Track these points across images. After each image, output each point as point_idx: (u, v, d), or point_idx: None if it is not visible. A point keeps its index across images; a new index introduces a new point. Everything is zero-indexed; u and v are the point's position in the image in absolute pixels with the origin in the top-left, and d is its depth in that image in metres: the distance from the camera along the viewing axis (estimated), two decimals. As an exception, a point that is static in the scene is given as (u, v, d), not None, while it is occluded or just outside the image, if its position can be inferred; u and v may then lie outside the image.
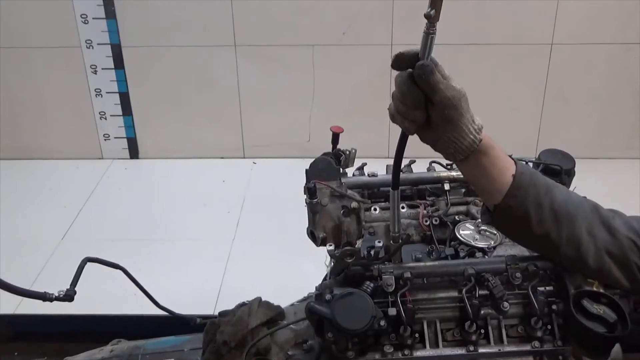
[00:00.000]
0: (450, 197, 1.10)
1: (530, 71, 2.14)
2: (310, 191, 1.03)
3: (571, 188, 1.32)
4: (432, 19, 0.76)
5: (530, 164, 1.25)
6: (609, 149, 2.25)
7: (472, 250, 0.98)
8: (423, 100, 0.78)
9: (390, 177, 0.92)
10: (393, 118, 0.81)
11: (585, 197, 0.87)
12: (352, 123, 2.20)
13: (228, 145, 2.26)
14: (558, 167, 1.19)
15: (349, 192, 1.07)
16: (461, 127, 0.78)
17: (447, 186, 1.11)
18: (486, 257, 0.96)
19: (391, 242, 0.93)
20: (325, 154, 1.14)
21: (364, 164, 1.19)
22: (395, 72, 0.80)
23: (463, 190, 1.12)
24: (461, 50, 2.07)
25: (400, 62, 0.79)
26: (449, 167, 1.12)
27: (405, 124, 0.79)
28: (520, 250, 0.96)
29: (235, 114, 2.21)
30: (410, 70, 0.78)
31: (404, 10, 2.02)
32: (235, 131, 2.24)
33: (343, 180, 1.09)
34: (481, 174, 0.82)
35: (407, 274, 0.86)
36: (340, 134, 1.17)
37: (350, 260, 0.89)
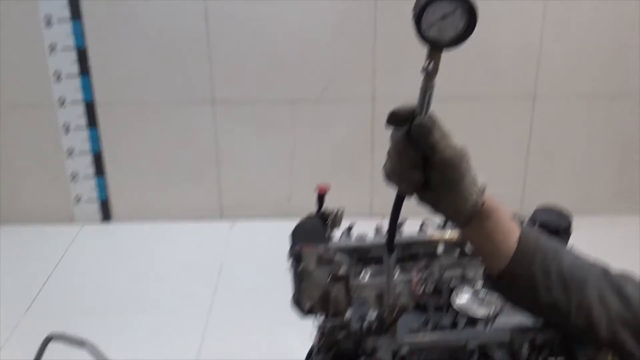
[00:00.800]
0: (444, 259, 1.04)
1: (513, 125, 2.12)
2: (295, 256, 0.96)
3: (568, 247, 1.27)
4: (430, 73, 0.72)
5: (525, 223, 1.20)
6: (596, 204, 2.21)
7: (471, 319, 0.91)
8: (421, 160, 0.73)
9: (380, 239, 0.86)
10: (388, 178, 0.75)
11: (594, 261, 0.82)
12: (334, 181, 2.13)
13: (205, 207, 2.18)
14: (554, 226, 1.13)
15: (337, 256, 1.00)
16: (462, 190, 0.73)
17: (440, 249, 1.05)
18: (488, 327, 0.89)
19: (386, 312, 0.86)
20: (310, 215, 1.08)
21: (352, 225, 1.13)
22: (388, 128, 0.74)
23: (458, 250, 1.06)
24: (441, 103, 2.03)
25: (396, 119, 0.74)
26: (442, 226, 1.06)
27: (401, 185, 0.73)
28: (523, 318, 0.89)
29: (213, 173, 2.15)
30: (406, 128, 0.73)
31: (385, 63, 1.99)
32: (213, 192, 2.17)
33: (330, 243, 1.03)
34: (484, 239, 0.76)
35: (405, 349, 0.78)
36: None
37: (341, 336, 0.82)
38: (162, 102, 2.04)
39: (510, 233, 0.76)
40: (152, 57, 1.99)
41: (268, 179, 2.17)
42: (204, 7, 1.93)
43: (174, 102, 2.04)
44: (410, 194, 0.75)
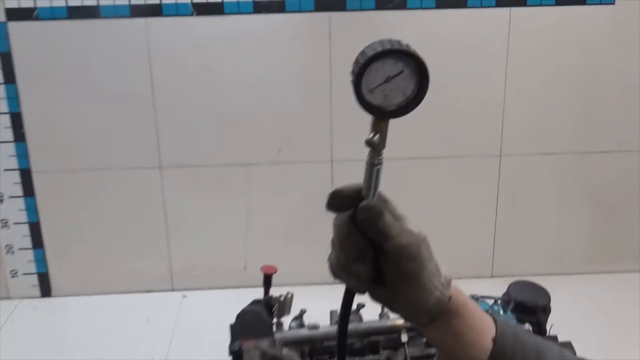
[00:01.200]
0: (409, 349, 0.91)
1: (479, 185, 2.02)
2: (235, 355, 0.83)
3: (548, 326, 1.17)
4: (376, 147, 0.61)
5: (499, 302, 1.09)
6: (569, 263, 2.12)
7: None
8: (371, 250, 0.61)
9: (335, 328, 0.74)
10: (334, 273, 0.63)
11: (580, 358, 0.70)
12: (292, 247, 2.06)
13: (154, 277, 2.03)
14: (531, 304, 1.01)
15: (285, 351, 0.87)
16: (423, 283, 0.61)
17: (404, 337, 0.92)
18: None
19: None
20: (254, 302, 0.95)
21: (303, 311, 1.00)
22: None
23: (424, 340, 0.94)
24: (404, 165, 1.95)
25: (338, 202, 0.63)
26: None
27: (349, 281, 0.61)
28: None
29: (161, 241, 2.00)
30: (351, 212, 0.61)
31: (344, 123, 1.90)
32: (162, 261, 2.02)
33: (277, 335, 0.89)
34: (453, 340, 0.63)
35: None
36: (278, 268, 0.99)
37: None
38: (104, 168, 1.91)
39: (484, 331, 0.64)
40: (92, 120, 1.87)
41: (222, 246, 2.03)
42: (149, 67, 1.82)
43: (117, 167, 1.91)
44: (362, 291, 0.62)
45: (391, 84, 0.64)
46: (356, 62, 0.63)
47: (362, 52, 0.63)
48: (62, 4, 1.74)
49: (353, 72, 0.63)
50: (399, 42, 0.64)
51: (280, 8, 1.79)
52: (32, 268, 1.98)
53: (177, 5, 1.77)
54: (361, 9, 1.81)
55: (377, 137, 0.64)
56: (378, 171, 0.65)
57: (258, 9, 1.79)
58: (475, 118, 1.95)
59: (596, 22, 1.88)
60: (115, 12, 1.76)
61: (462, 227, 2.06)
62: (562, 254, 2.12)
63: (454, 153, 1.98)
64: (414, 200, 2.10)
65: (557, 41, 1.89)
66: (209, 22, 1.79)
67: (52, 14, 1.74)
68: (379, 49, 0.61)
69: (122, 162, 1.91)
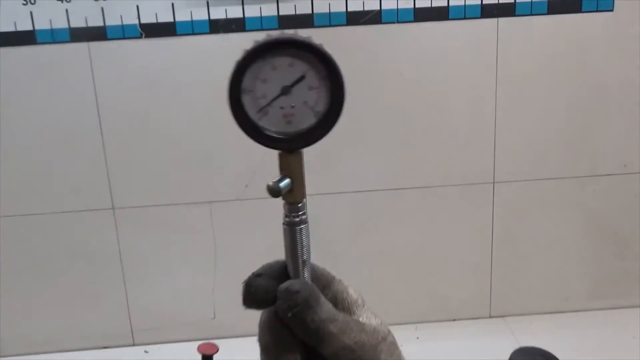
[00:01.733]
0: None
1: (472, 215, 1.81)
2: None
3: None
4: (287, 197, 0.41)
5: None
6: (572, 300, 1.89)
7: None
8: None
9: None
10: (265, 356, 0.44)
11: None
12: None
13: (112, 331, 1.81)
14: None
15: None
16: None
17: None
18: None
19: None
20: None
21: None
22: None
23: None
24: (385, 197, 1.75)
25: (257, 292, 0.44)
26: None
27: None
28: None
29: (118, 291, 1.79)
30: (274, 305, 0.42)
31: (315, 153, 1.69)
32: (121, 312, 1.81)
33: None
34: None
35: None
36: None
37: None
38: (50, 212, 1.70)
39: None
40: (33, 159, 1.67)
41: (187, 293, 1.81)
42: (95, 99, 1.63)
43: (64, 210, 1.71)
44: None
45: (291, 97, 0.43)
46: (233, 68, 0.43)
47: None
48: (-7, 30, 1.56)
49: (229, 83, 0.43)
50: (291, 34, 0.44)
51: (240, 26, 1.60)
52: (-25, 325, 1.77)
53: (123, 27, 1.58)
54: (330, 25, 1.62)
55: (285, 181, 0.44)
56: (302, 235, 0.45)
57: (215, 28, 1.60)
58: (464, 141, 1.74)
59: (594, 30, 1.68)
60: (53, 38, 1.57)
61: (454, 264, 1.84)
62: (566, 290, 1.90)
63: (441, 182, 1.77)
64: (397, 237, 1.91)
65: (551, 53, 1.69)
66: (160, 45, 1.60)
67: (-19, 42, 1.56)
68: (258, 44, 0.42)
69: (69, 204, 1.71)
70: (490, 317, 1.89)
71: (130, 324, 1.82)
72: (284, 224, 0.45)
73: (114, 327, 1.82)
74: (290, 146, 0.44)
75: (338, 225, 1.78)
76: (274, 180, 0.45)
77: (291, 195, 0.45)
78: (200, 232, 1.76)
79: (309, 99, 0.44)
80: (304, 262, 0.46)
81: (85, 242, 1.74)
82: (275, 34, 0.44)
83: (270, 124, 0.44)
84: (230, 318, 1.83)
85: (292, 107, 0.44)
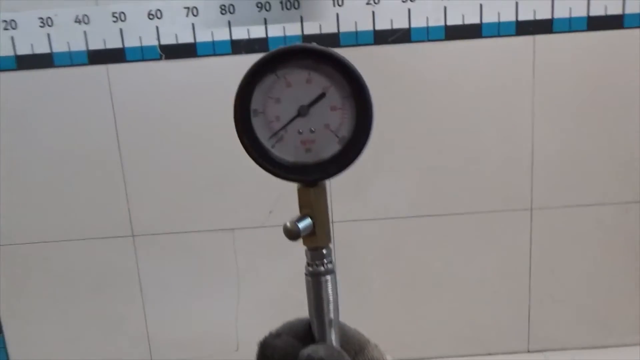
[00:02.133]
0: None
1: (508, 242, 1.71)
2: None
3: None
4: (310, 243, 0.33)
5: None
6: (614, 334, 1.77)
7: None
8: None
9: None
10: None
11: None
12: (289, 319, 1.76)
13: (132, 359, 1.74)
14: None
15: None
16: None
17: None
18: None
19: None
20: None
21: None
22: None
23: None
24: (418, 224, 1.66)
25: (272, 358, 0.45)
26: None
27: None
28: None
29: (138, 320, 1.72)
30: None
31: (343, 178, 1.62)
32: (141, 343, 1.73)
33: None
34: None
35: None
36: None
37: None
38: (69, 239, 1.65)
39: None
40: (50, 185, 1.61)
41: (208, 324, 1.74)
42: (114, 124, 1.57)
43: (82, 237, 1.65)
44: None
45: (310, 119, 0.35)
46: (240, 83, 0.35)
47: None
48: (10, 52, 1.51)
49: (235, 105, 0.35)
50: (308, 44, 0.36)
51: (263, 47, 1.53)
52: (-10, 357, 1.71)
53: (142, 48, 1.52)
54: (357, 44, 1.55)
55: (306, 222, 0.36)
56: (328, 288, 0.37)
57: (237, 49, 1.54)
58: (500, 166, 1.65)
59: (637, 48, 1.58)
60: (71, 60, 1.52)
61: (488, 293, 1.74)
62: (610, 323, 1.78)
63: (475, 208, 1.67)
64: (427, 265, 1.81)
65: (592, 73, 1.60)
66: (180, 66, 1.54)
67: (-1, 65, 1.52)
68: (269, 54, 0.34)
69: (88, 231, 1.64)
70: (529, 351, 1.78)
71: (150, 355, 1.74)
72: (306, 274, 0.37)
73: (133, 356, 1.74)
74: (310, 178, 0.36)
75: (366, 252, 1.69)
76: (293, 220, 0.36)
77: (313, 238, 0.36)
78: (222, 261, 1.69)
79: (331, 122, 0.36)
80: (330, 321, 0.38)
81: (104, 269, 1.68)
82: (282, 47, 0.36)
83: (286, 152, 0.36)
84: (255, 350, 1.75)
85: (312, 131, 0.36)
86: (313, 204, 0.37)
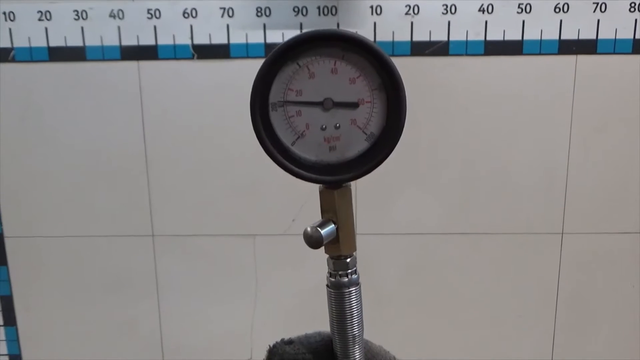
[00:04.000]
0: None
1: (536, 269, 1.64)
2: None
3: None
4: (333, 251, 0.28)
5: None
6: (647, 368, 1.70)
7: None
8: None
9: None
10: None
11: None
12: (307, 332, 1.71)
13: (144, 365, 1.71)
14: None
15: None
16: None
17: None
18: None
19: None
20: None
21: None
22: None
23: None
24: (446, 240, 1.60)
25: None
26: None
27: None
28: None
29: (153, 322, 1.68)
30: None
31: (367, 189, 1.57)
32: (154, 345, 1.70)
33: None
34: None
35: None
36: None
37: None
38: (87, 235, 1.62)
39: None
40: (73, 180, 1.59)
41: (223, 331, 1.69)
42: (141, 121, 1.54)
43: (101, 234, 1.62)
44: None
45: (335, 114, 0.31)
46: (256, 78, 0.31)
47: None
48: (43, 43, 1.49)
49: (251, 97, 0.31)
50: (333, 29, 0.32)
51: (296, 52, 1.50)
52: (3, 349, 1.69)
53: (175, 47, 1.50)
54: (393, 55, 1.50)
55: (329, 228, 0.32)
56: (352, 301, 0.33)
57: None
58: (532, 187, 1.59)
59: (684, 74, 1.52)
60: (103, 55, 1.50)
61: (512, 318, 1.67)
62: (634, 355, 1.70)
63: (504, 229, 1.61)
64: (451, 284, 1.74)
65: (635, 97, 1.53)
66: (212, 67, 1.51)
67: (30, 56, 1.50)
68: (289, 41, 0.30)
69: (108, 228, 1.62)
70: (552, 381, 1.71)
71: (163, 357, 1.71)
72: (327, 285, 0.33)
73: (146, 359, 1.71)
74: (334, 179, 0.32)
75: (388, 267, 1.64)
76: (314, 225, 0.32)
77: (336, 246, 0.32)
78: (242, 267, 1.65)
79: (359, 117, 0.32)
80: (354, 337, 0.33)
81: (121, 268, 1.65)
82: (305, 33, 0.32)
83: (308, 150, 0.32)
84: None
85: (337, 127, 0.32)
86: (337, 207, 0.32)
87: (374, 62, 0.30)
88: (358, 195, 1.57)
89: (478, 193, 1.58)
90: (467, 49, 1.50)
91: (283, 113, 0.31)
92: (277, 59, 0.29)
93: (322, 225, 0.32)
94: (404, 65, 1.49)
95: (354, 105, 0.32)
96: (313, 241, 0.31)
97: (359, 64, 0.31)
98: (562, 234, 1.61)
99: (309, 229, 0.32)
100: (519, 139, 1.55)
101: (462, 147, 1.55)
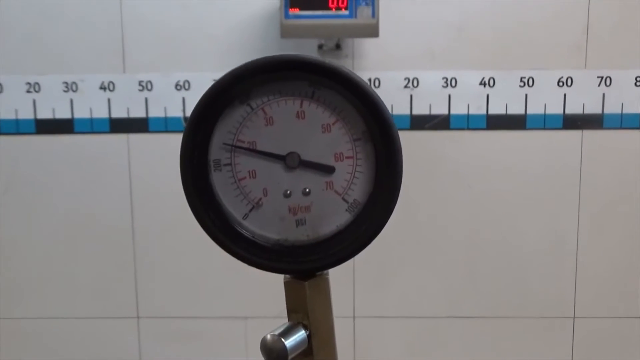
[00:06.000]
0: None
1: (546, 354, 1.51)
2: None
3: None
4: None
5: None
6: None
7: None
8: None
9: None
10: None
11: None
12: None
13: None
14: None
15: None
16: None
17: None
18: None
19: None
20: None
21: None
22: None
23: None
24: (449, 324, 1.48)
25: None
26: None
27: None
28: None
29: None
30: None
31: (365, 272, 1.46)
32: None
33: None
34: None
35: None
36: None
37: None
38: (70, 316, 1.50)
39: None
40: (56, 257, 1.48)
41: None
42: (129, 197, 1.45)
43: (85, 316, 1.50)
44: None
45: (302, 174, 0.21)
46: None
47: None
48: (30, 116, 1.42)
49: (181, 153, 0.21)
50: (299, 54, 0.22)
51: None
52: None
53: (166, 119, 1.42)
54: (392, 129, 1.42)
55: (297, 336, 0.22)
56: None
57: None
58: (540, 269, 1.46)
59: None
60: (92, 127, 1.42)
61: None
62: None
63: (510, 313, 1.48)
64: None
65: (644, 174, 1.44)
66: (204, 140, 1.43)
67: (17, 128, 1.42)
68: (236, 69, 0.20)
69: (91, 309, 1.50)
70: None
71: None
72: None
73: None
74: (303, 267, 0.21)
75: (385, 354, 1.51)
76: (274, 333, 0.21)
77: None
78: (232, 352, 1.51)
79: (336, 179, 0.22)
80: None
81: (104, 352, 1.51)
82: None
83: (267, 225, 0.22)
84: None
85: (306, 192, 0.22)
86: (309, 306, 0.22)
87: (356, 101, 0.21)
88: (356, 272, 1.46)
89: (481, 274, 1.45)
90: (468, 122, 1.41)
91: (230, 174, 0.21)
92: (218, 97, 0.19)
93: (288, 332, 0.21)
94: (403, 139, 1.41)
95: (328, 170, 0.22)
96: (275, 357, 0.21)
97: (335, 105, 0.22)
98: (574, 317, 1.48)
99: (268, 337, 0.21)
100: (525, 217, 1.44)
101: (465, 224, 1.44)
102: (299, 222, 0.23)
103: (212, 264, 1.44)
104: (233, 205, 0.22)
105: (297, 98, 0.21)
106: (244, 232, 0.22)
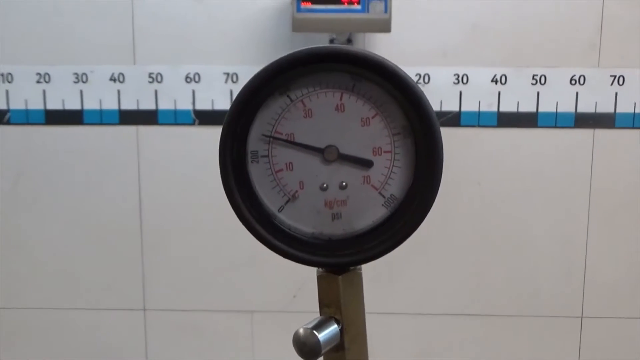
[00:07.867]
0: None
1: (553, 354, 1.51)
2: None
3: None
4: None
5: None
6: None
7: None
8: None
9: None
10: None
11: None
12: None
13: None
14: None
15: None
16: None
17: None
18: None
19: None
20: None
21: None
22: None
23: None
24: (457, 322, 1.48)
25: None
26: None
27: None
28: None
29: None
30: None
31: (372, 270, 1.46)
32: None
33: None
34: None
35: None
36: None
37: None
38: (76, 307, 1.50)
39: None
40: (65, 249, 1.48)
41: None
42: (138, 189, 1.45)
43: (91, 307, 1.50)
44: None
45: (340, 168, 0.20)
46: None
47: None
48: (40, 106, 1.42)
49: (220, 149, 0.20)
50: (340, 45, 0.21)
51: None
52: None
53: (175, 112, 1.42)
54: (402, 125, 1.42)
55: (330, 330, 0.21)
56: None
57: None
58: (549, 267, 1.46)
59: None
60: (101, 118, 1.42)
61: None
62: None
63: (518, 311, 1.48)
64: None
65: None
66: (213, 133, 1.43)
67: (26, 118, 1.42)
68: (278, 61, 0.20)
69: (97, 301, 1.50)
70: None
71: None
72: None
73: None
74: (338, 261, 0.20)
75: (394, 351, 1.51)
76: (307, 326, 0.20)
77: (340, 356, 0.20)
78: (238, 344, 1.50)
79: (374, 174, 0.22)
80: None
81: (110, 344, 1.51)
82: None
83: (302, 218, 0.21)
84: None
85: (343, 186, 0.22)
86: (342, 301, 0.21)
87: (398, 95, 0.20)
88: (365, 268, 1.46)
89: (490, 272, 1.45)
90: (479, 120, 1.41)
91: (267, 166, 0.21)
92: (260, 88, 0.19)
93: (320, 325, 0.21)
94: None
95: (367, 164, 0.22)
96: (307, 350, 0.20)
97: (376, 99, 0.21)
98: (582, 317, 1.48)
99: (301, 331, 0.21)
100: (534, 216, 1.43)
101: (474, 222, 1.44)
102: (335, 216, 0.23)
103: (219, 257, 1.44)
104: (269, 198, 0.22)
105: (337, 91, 0.21)
106: (280, 224, 0.22)
